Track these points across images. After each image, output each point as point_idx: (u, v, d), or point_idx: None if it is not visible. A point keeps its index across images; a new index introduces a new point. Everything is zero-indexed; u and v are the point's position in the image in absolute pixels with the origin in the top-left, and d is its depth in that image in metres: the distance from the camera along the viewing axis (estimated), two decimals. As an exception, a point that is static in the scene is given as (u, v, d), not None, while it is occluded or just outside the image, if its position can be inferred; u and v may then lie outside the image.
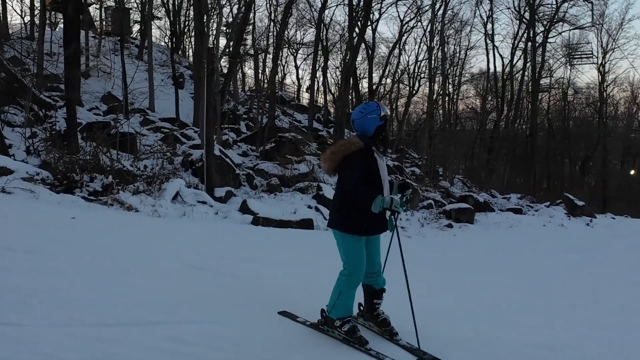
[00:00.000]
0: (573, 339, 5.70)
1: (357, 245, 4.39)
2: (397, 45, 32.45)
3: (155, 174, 13.26)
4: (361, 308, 4.87)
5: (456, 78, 34.08)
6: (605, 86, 40.79)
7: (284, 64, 38.88)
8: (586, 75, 63.98)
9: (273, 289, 6.51)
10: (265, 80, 27.64)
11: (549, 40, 36.20)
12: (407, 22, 32.04)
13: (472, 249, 11.84)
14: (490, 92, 36.05)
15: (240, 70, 34.37)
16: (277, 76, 30.96)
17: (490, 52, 35.75)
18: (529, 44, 34.91)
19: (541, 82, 36.69)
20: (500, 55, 42.18)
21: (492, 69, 35.99)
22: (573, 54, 37.92)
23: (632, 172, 42.86)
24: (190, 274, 6.70)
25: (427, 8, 30.24)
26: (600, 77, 40.15)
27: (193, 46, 28.72)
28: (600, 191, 39.18)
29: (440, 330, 5.34)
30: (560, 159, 39.99)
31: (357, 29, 25.49)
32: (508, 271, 9.65)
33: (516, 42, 35.12)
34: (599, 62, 39.56)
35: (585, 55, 37.44)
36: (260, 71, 30.94)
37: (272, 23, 29.45)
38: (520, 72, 35.57)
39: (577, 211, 20.15)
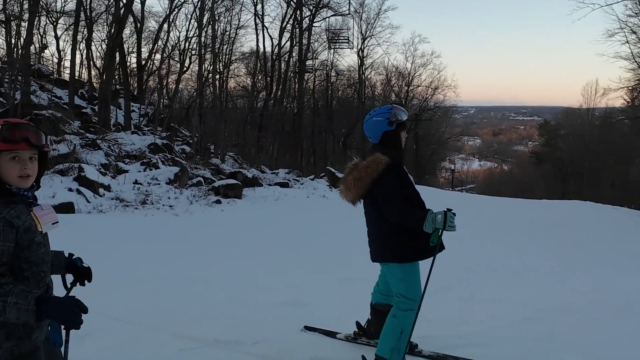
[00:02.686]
0: (320, 295, 6.35)
1: (417, 273, 3.87)
2: (167, 20, 31.73)
3: None
4: (362, 326, 4.56)
5: (226, 56, 34.41)
6: (364, 69, 44.65)
7: (41, 33, 35.53)
8: (347, 59, 68.96)
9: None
10: (20, 51, 25.02)
11: (314, 24, 38.40)
12: (178, -3, 31.42)
13: (237, 223, 12.28)
14: (260, 71, 37.13)
15: (-13, 39, 30.64)
16: (33, 47, 28.28)
17: (260, 32, 36.48)
18: (296, 26, 36.59)
19: (307, 64, 38.78)
20: (270, 36, 43.62)
21: (261, 49, 37.03)
22: (335, 38, 40.64)
23: (387, 146, 47.66)
24: None
25: (197, -16, 29.96)
26: (359, 61, 43.86)
27: None
28: (360, 164, 42.90)
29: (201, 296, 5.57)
30: (324, 136, 42.83)
31: (123, 0, 24.33)
32: (264, 240, 10.23)
33: (284, 24, 36.59)
34: (358, 47, 43.10)
35: (344, 41, 40.40)
36: (13, 40, 27.89)
37: (25, -12, 26.65)
38: (288, 53, 37.15)
39: (339, 183, 21.89)
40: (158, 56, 32.52)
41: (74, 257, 2.69)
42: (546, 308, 5.91)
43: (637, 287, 7.16)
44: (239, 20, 35.48)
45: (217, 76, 31.64)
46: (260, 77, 37.51)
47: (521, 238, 11.52)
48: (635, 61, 35.72)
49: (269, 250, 9.12)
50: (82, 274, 2.64)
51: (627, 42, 35.27)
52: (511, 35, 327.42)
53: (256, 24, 36.13)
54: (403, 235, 3.74)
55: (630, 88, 36.92)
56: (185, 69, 32.29)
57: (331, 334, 4.72)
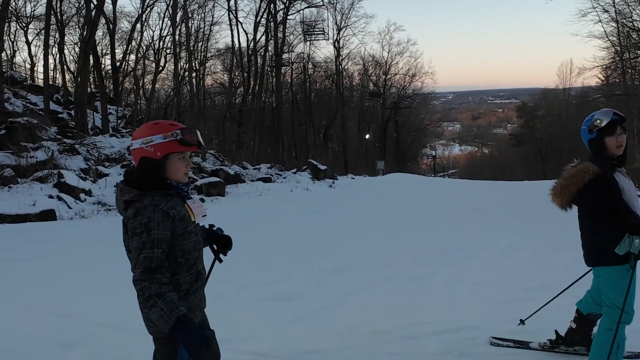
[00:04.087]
0: (308, 286, 6.37)
1: (633, 284, 3.58)
2: (140, 20, 31.40)
3: None
4: (560, 335, 4.35)
5: (202, 54, 34.19)
6: (340, 60, 44.63)
7: (12, 39, 35.06)
8: (323, 50, 68.80)
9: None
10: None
11: (288, 17, 38.27)
12: (150, -4, 31.06)
13: (221, 220, 12.18)
14: (237, 67, 36.93)
15: (-43, 48, 30.08)
16: (4, 53, 27.84)
17: (235, 27, 36.22)
18: (271, 20, 36.43)
19: (283, 57, 38.65)
20: (245, 31, 43.36)
21: (237, 45, 36.82)
22: (310, 30, 40.53)
23: (367, 136, 47.75)
24: None
25: (167, -18, 29.64)
26: (336, 52, 43.81)
27: None
28: (341, 155, 43.05)
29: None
30: (305, 128, 42.79)
31: (94, 1, 24.01)
32: (249, 236, 10.17)
33: (258, 18, 36.40)
34: (334, 38, 43.06)
35: (319, 32, 40.31)
36: (-18, 49, 27.42)
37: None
38: (264, 47, 36.98)
39: (321, 175, 21.89)
40: (133, 57, 32.21)
41: (214, 227, 2.99)
42: (530, 288, 5.99)
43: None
44: (213, 17, 35.26)
45: (194, 74, 31.49)
46: (237, 73, 37.33)
47: (504, 220, 11.65)
48: (609, 39, 36.20)
49: (255, 245, 9.08)
50: (224, 243, 2.95)
51: (600, 21, 35.84)
52: (485, 19, 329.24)
53: (230, 20, 35.97)
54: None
55: (604, 66, 37.44)
56: (160, 68, 32.05)
57: (523, 345, 4.47)
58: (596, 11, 34.16)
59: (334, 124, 44.31)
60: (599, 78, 40.86)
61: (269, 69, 38.28)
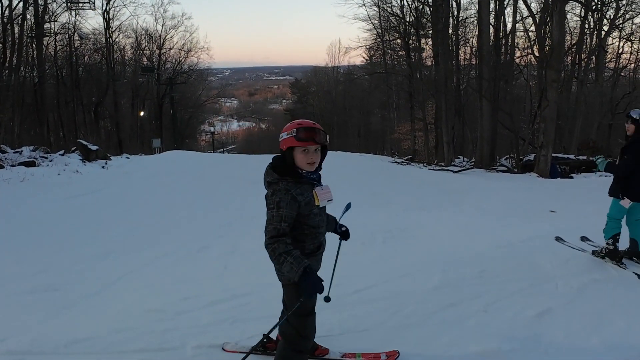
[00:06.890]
0: (74, 274, 6.02)
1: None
2: None
3: None
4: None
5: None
6: (110, 32, 42.09)
7: None
8: (91, 21, 64.26)
9: None
10: None
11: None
12: None
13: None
14: (-10, 36, 32.81)
15: None
16: None
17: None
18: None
19: (45, 27, 35.34)
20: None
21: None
22: (72, -1, 37.47)
23: (142, 113, 45.97)
24: None
25: None
26: (105, 23, 41.23)
27: None
28: (115, 133, 40.90)
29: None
30: (73, 106, 39.67)
31: None
32: (8, 224, 9.31)
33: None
34: (103, 8, 40.54)
35: (85, 1, 37.49)
36: None
37: None
38: (21, 15, 33.38)
39: (93, 156, 20.57)
40: None
41: (343, 228, 3.79)
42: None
43: (378, 221, 8.06)
44: (-45, -22, 30.71)
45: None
46: (-9, 44, 33.15)
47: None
48: (372, 22, 39.91)
49: (14, 236, 8.29)
50: (344, 234, 3.80)
51: (364, 4, 39.55)
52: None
53: (-22, -17, 31.65)
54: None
55: (368, 47, 41.23)
56: None
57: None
58: (360, -5, 37.21)
59: (105, 100, 41.83)
60: (363, 57, 44.67)
61: (28, 40, 34.69)
